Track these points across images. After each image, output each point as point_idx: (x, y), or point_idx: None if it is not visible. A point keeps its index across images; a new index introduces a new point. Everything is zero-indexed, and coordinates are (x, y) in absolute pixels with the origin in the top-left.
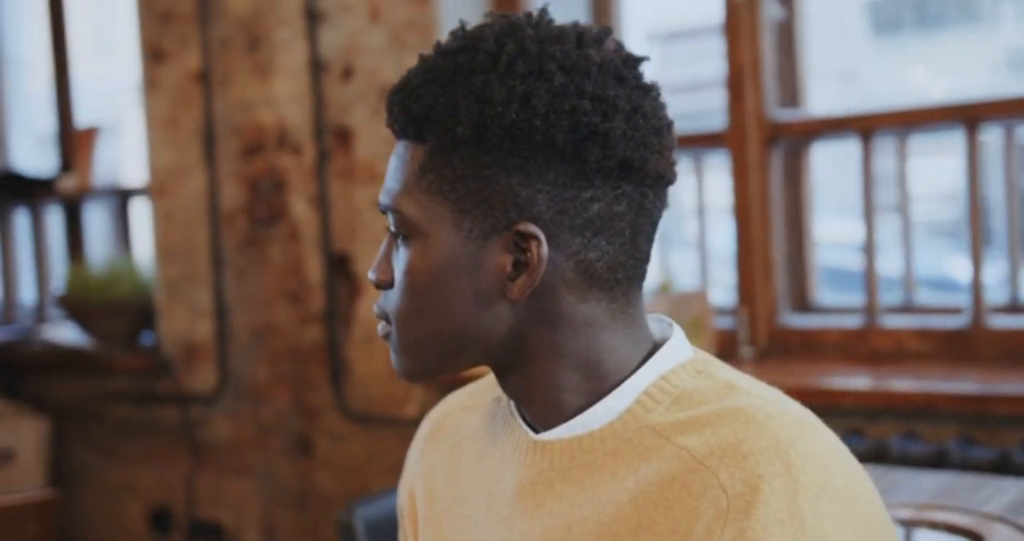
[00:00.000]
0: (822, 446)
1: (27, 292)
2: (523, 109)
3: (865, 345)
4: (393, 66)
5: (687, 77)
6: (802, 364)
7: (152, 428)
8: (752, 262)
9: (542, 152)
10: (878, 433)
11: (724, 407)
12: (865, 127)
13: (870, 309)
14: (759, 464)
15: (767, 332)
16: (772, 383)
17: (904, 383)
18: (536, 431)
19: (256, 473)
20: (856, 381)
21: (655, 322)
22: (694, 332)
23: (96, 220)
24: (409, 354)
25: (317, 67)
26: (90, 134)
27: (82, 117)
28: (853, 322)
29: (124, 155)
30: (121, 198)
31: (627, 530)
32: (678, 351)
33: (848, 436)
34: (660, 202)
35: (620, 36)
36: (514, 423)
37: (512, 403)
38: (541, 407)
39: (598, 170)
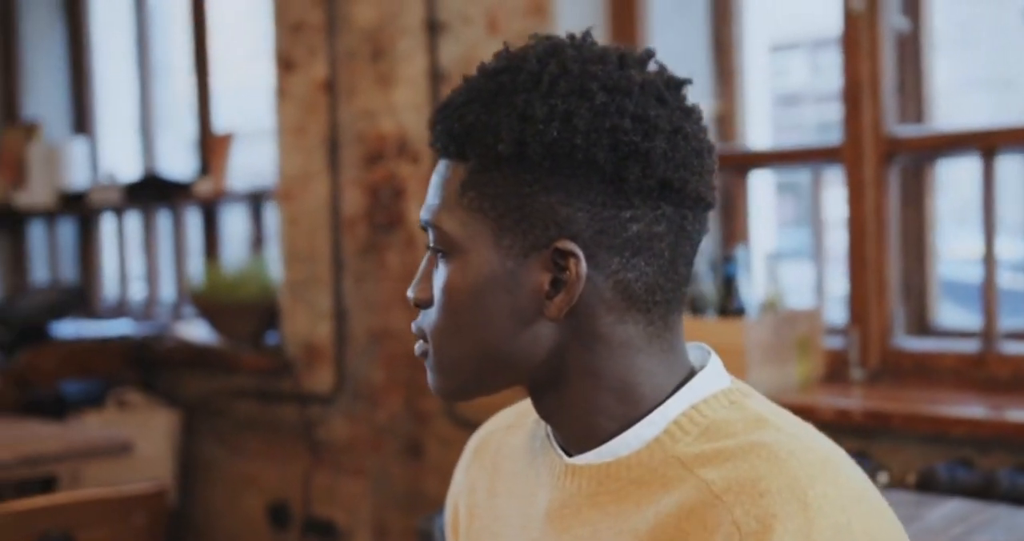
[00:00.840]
0: (844, 489)
1: (167, 290)
2: (564, 127)
3: (982, 371)
4: None
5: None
6: (914, 389)
7: (274, 425)
8: (865, 281)
9: (582, 171)
10: (988, 465)
11: (749, 441)
12: (988, 144)
13: (988, 334)
14: (775, 503)
15: (879, 354)
16: (881, 408)
17: (1020, 413)
18: (569, 454)
19: (369, 474)
20: (969, 409)
21: (695, 350)
22: (802, 352)
23: (233, 222)
24: (446, 373)
25: (436, 77)
26: (226, 139)
27: (224, 123)
28: (970, 346)
29: (260, 160)
30: (255, 202)
31: None
32: (713, 380)
33: (955, 466)
34: (700, 225)
35: (741, 47)
36: (549, 445)
37: (547, 425)
38: (574, 430)
39: (638, 190)
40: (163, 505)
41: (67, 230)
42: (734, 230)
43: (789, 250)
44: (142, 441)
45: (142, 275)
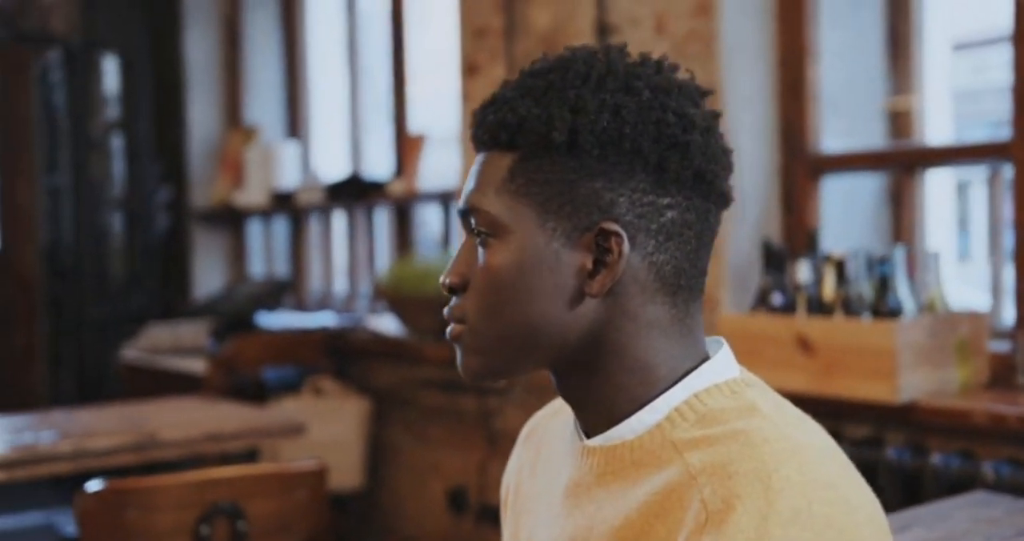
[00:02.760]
0: (811, 475)
1: (364, 284)
2: (614, 119)
3: None
4: None
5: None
6: None
7: (455, 415)
8: None
9: (628, 159)
10: None
11: (734, 428)
12: None
13: None
14: (740, 484)
15: None
16: None
17: None
18: (589, 437)
19: None
20: None
21: (713, 343)
22: (962, 355)
23: (425, 221)
24: (482, 353)
25: None
26: (419, 141)
27: (418, 126)
28: None
29: (451, 162)
30: (445, 201)
31: (633, 535)
32: (719, 370)
33: None
34: (718, 221)
35: (920, 43)
36: (575, 428)
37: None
38: (593, 413)
39: (676, 179)
40: (324, 482)
41: (280, 227)
42: (900, 228)
43: (958, 251)
44: (335, 426)
45: (345, 270)
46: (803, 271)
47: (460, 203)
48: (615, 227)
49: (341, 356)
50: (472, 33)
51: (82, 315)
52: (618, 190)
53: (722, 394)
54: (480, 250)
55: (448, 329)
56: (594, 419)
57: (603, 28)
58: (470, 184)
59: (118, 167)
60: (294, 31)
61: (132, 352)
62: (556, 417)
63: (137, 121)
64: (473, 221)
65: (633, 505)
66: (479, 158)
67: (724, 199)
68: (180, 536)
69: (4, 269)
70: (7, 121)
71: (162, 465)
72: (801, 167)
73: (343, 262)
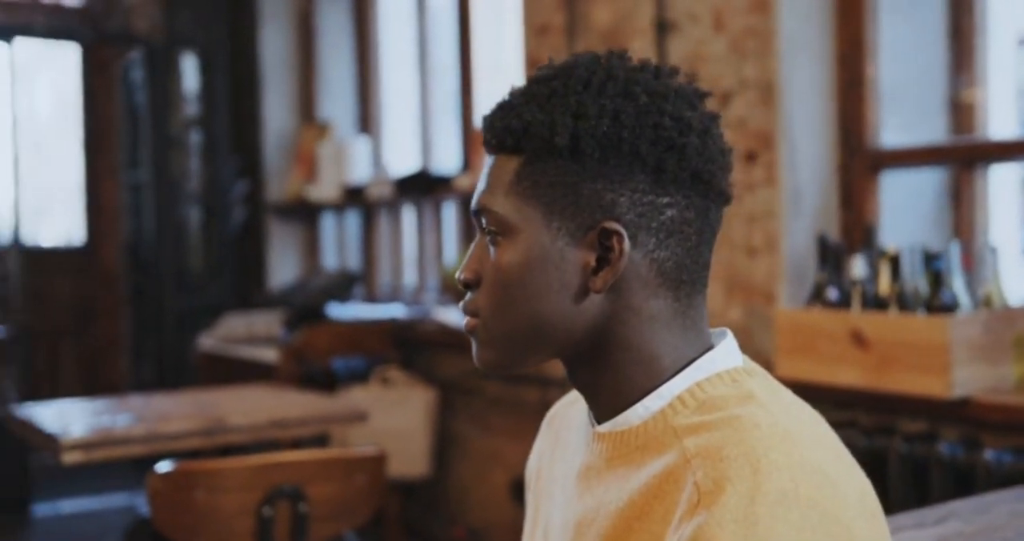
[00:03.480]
0: (799, 459)
1: (432, 277)
2: (613, 124)
3: None
4: (732, 73)
5: None
6: None
7: (518, 405)
8: None
9: (627, 161)
10: None
11: (730, 414)
12: None
13: None
14: (730, 467)
15: None
16: None
17: None
18: (599, 423)
19: None
20: None
21: (718, 334)
22: (1019, 350)
23: None
24: (495, 345)
25: None
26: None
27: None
28: None
29: None
30: None
31: (634, 515)
32: (721, 360)
33: None
34: (719, 218)
35: (984, 37)
36: (588, 415)
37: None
38: (602, 402)
39: (674, 180)
40: (383, 468)
41: (352, 221)
42: (960, 224)
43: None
44: (401, 416)
45: (414, 263)
46: (858, 266)
47: (472, 203)
48: (616, 226)
49: (408, 347)
50: (535, 31)
51: (162, 306)
52: (618, 191)
53: (722, 382)
54: (491, 248)
55: (463, 322)
56: (603, 407)
57: (662, 25)
58: (481, 186)
59: (196, 163)
60: (366, 29)
61: (209, 341)
62: (574, 405)
63: (215, 118)
64: (484, 221)
65: (636, 487)
66: (489, 161)
67: (723, 197)
68: (244, 517)
69: (89, 264)
70: (92, 120)
71: (237, 449)
72: (859, 163)
73: (412, 255)
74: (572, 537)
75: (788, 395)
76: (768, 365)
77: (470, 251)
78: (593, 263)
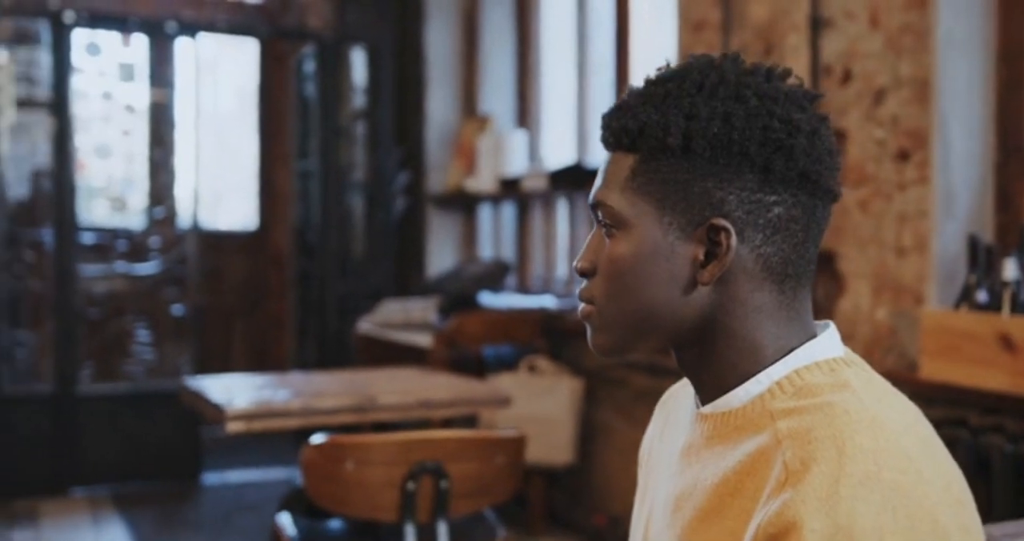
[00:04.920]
0: (884, 444)
1: None
2: (724, 125)
3: None
4: (886, 70)
5: None
6: None
7: (660, 397)
8: None
9: (736, 161)
10: None
11: (824, 400)
12: None
13: None
14: (818, 449)
15: None
16: None
17: None
18: (703, 405)
19: None
20: None
21: (822, 326)
22: None
23: None
24: (608, 331)
25: (818, 71)
26: None
27: None
28: None
29: None
30: None
31: (728, 491)
32: (820, 350)
33: None
34: (827, 214)
35: None
36: (694, 398)
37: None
38: (707, 385)
39: (781, 179)
40: (522, 450)
41: (508, 212)
42: None
43: None
44: (548, 404)
45: (566, 255)
46: (1010, 268)
47: (590, 198)
48: (724, 223)
49: (556, 337)
50: (691, 27)
51: (325, 290)
52: (727, 189)
53: (820, 371)
54: (606, 240)
55: (579, 308)
56: (707, 390)
57: (817, 21)
58: (598, 181)
59: (361, 153)
60: (528, 25)
61: (367, 325)
62: (684, 389)
63: (380, 110)
64: (600, 214)
65: (731, 464)
66: (606, 157)
67: (831, 195)
68: (390, 489)
69: (261, 247)
70: (267, 111)
71: (389, 426)
72: (1017, 163)
73: (564, 246)
74: (672, 510)
75: (884, 385)
76: (912, 367)
77: (587, 242)
78: (701, 257)
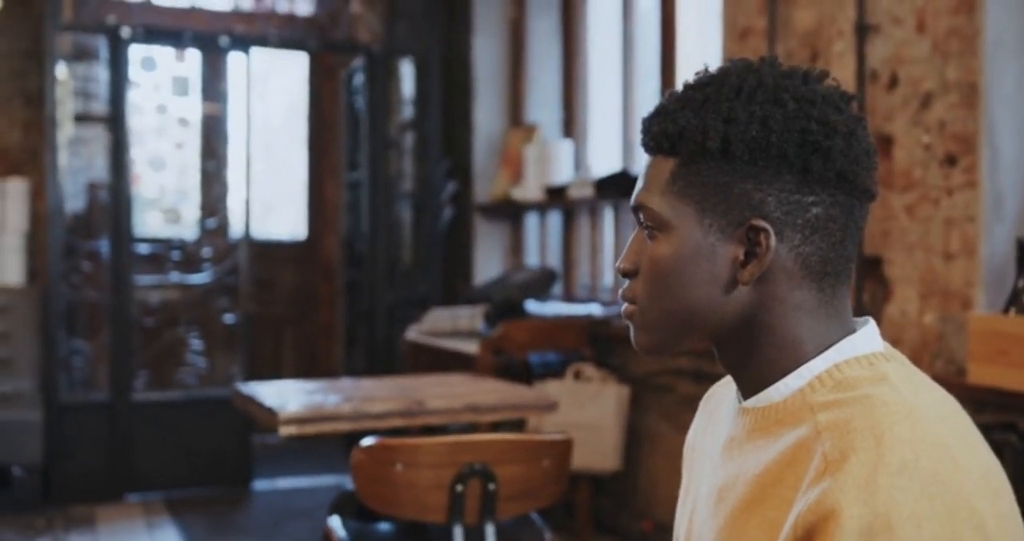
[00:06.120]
0: (922, 434)
1: None
2: (762, 129)
3: None
4: (935, 75)
5: None
6: None
7: None
8: None
9: (775, 163)
10: None
11: (863, 393)
12: None
13: None
14: (856, 440)
15: None
16: None
17: None
18: (744, 400)
19: None
20: None
21: (861, 322)
22: None
23: None
24: (650, 330)
25: (864, 76)
26: None
27: None
28: None
29: None
30: None
31: (769, 482)
32: (860, 345)
33: None
34: (864, 213)
35: None
36: (736, 393)
37: None
38: (748, 381)
39: (819, 180)
40: (568, 453)
41: (554, 221)
42: None
43: None
44: (594, 410)
45: (612, 263)
46: None
47: (631, 201)
48: (763, 224)
49: (602, 344)
50: (736, 34)
51: (374, 298)
52: (766, 190)
53: (860, 365)
54: (648, 241)
55: (622, 308)
56: (749, 385)
57: (864, 27)
58: (639, 184)
59: (409, 164)
60: (573, 36)
61: (415, 333)
62: (727, 385)
63: (428, 121)
64: (641, 216)
65: (772, 456)
66: (647, 161)
67: (868, 194)
68: (438, 491)
69: (311, 256)
70: (317, 123)
71: (438, 430)
72: None
73: (610, 255)
74: (715, 502)
75: (922, 379)
76: (960, 371)
77: (629, 243)
78: (741, 257)
